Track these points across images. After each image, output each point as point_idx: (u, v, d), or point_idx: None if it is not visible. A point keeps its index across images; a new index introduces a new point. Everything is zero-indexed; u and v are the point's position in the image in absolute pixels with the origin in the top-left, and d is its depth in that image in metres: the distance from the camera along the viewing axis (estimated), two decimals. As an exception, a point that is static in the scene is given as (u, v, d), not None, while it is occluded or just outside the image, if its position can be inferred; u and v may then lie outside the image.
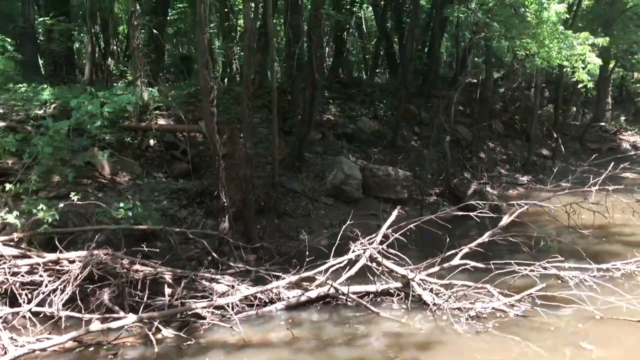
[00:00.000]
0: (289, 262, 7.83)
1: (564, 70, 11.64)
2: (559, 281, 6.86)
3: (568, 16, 10.87)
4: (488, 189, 14.36)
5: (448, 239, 7.58)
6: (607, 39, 10.62)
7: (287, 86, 13.09)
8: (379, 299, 6.94)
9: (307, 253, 7.20)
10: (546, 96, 25.79)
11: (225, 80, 14.64)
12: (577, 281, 6.89)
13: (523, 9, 11.29)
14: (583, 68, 10.91)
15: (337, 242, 7.55)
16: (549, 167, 15.56)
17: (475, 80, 20.86)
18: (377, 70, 23.83)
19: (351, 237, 7.62)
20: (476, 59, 23.00)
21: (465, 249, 7.20)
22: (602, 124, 23.01)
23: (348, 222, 7.78)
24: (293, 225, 10.43)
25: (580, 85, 11.38)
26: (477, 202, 8.89)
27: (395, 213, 7.68)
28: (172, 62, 19.62)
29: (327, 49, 23.12)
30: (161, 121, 11.71)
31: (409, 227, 7.35)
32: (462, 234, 9.64)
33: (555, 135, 17.01)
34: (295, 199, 11.24)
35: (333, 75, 19.72)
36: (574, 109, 28.52)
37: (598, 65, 11.41)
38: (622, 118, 29.48)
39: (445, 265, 7.10)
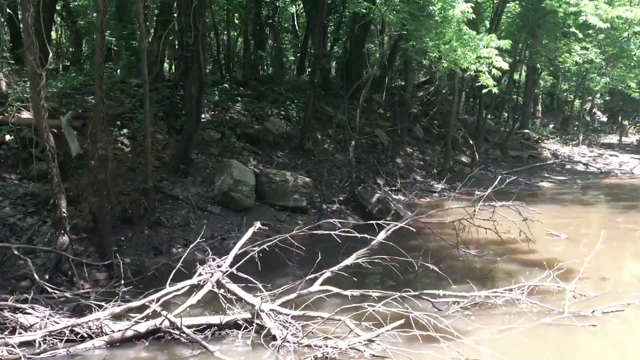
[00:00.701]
0: (152, 281, 6.90)
1: (467, 74, 10.94)
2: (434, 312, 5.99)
3: (475, 16, 10.12)
4: (399, 196, 13.64)
5: (320, 258, 6.65)
6: (509, 41, 9.99)
7: (179, 80, 11.85)
8: (224, 332, 5.90)
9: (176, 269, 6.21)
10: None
11: (119, 71, 13.23)
12: (453, 311, 6.15)
13: (430, 7, 10.54)
14: (489, 72, 10.27)
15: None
16: (467, 175, 14.96)
17: (404, 83, 20.25)
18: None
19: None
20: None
21: (327, 273, 6.23)
22: (526, 131, 22.87)
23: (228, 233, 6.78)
24: (167, 237, 9.24)
25: (484, 91, 10.80)
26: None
27: (252, 230, 6.69)
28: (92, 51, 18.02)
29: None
30: (26, 115, 10.24)
31: (263, 247, 6.32)
32: (357, 247, 8.71)
33: (471, 142, 16.48)
34: (175, 206, 10.04)
35: (251, 72, 18.66)
36: (506, 114, 28.48)
37: (525, 72, 10.80)
38: (551, 126, 29.77)
39: (304, 291, 6.12)
